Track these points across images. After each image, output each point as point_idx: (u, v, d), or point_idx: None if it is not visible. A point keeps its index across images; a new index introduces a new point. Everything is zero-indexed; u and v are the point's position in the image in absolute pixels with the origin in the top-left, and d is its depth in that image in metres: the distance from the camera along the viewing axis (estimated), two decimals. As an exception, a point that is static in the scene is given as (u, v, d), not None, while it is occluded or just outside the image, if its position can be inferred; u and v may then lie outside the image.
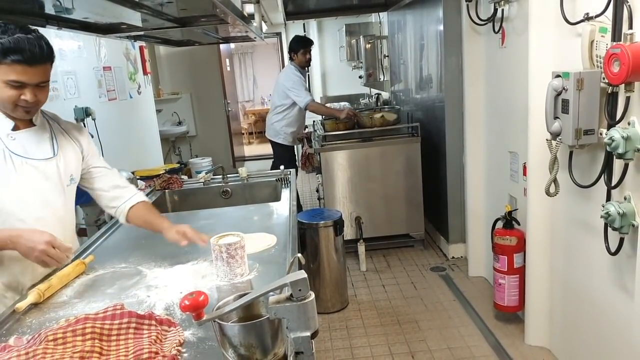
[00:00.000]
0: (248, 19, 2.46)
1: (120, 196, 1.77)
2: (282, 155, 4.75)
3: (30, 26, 1.44)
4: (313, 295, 0.97)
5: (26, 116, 1.52)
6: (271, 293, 0.99)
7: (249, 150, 8.90)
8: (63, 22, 1.67)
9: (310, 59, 4.57)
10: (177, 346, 1.11)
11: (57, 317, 1.32)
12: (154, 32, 2.12)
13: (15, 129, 1.53)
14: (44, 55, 1.41)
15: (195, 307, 0.95)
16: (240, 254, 1.46)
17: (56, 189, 1.61)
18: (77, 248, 1.82)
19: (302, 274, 0.96)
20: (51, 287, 1.45)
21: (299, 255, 1.08)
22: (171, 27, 1.93)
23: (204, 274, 1.55)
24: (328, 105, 5.42)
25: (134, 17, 1.64)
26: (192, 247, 1.78)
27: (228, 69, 7.19)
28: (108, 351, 1.08)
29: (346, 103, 6.51)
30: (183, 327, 1.21)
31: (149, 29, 1.98)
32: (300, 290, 0.95)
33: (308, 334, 0.97)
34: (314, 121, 5.13)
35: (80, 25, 1.81)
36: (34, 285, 1.48)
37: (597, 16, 1.83)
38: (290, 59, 4.55)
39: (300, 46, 4.46)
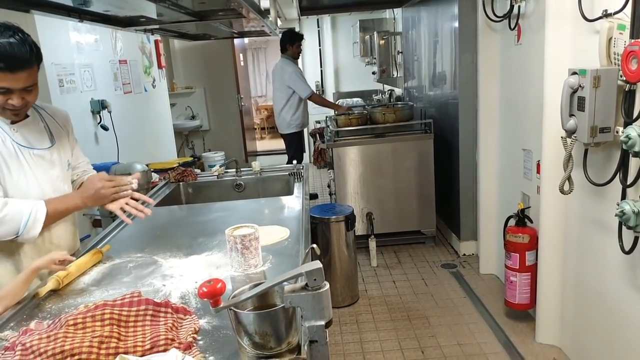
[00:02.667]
0: (264, 13, 2.48)
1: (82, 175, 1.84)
2: (293, 142, 5.07)
3: (15, 25, 1.38)
4: (328, 285, 0.99)
5: (14, 118, 1.52)
6: (286, 282, 1.01)
7: (261, 145, 8.93)
8: (84, 14, 1.71)
9: (301, 52, 5.02)
10: (192, 334, 1.14)
11: (75, 304, 1.35)
12: (171, 25, 2.15)
13: (13, 122, 1.54)
14: (28, 60, 1.37)
15: (213, 293, 0.97)
16: (254, 245, 1.48)
17: (62, 176, 1.66)
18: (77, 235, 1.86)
19: (317, 264, 0.97)
20: (69, 275, 1.49)
21: (314, 245, 1.09)
22: (189, 20, 1.95)
23: (219, 265, 1.57)
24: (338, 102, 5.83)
25: (153, 10, 1.66)
26: (207, 239, 1.81)
27: (242, 63, 7.21)
28: (126, 337, 1.11)
29: (359, 99, 6.51)
30: (198, 315, 1.24)
31: (167, 22, 2.01)
32: (315, 279, 0.97)
33: (322, 322, 0.98)
34: (326, 117, 5.14)
35: (101, 18, 1.84)
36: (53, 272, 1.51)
37: (615, 13, 1.81)
38: (284, 50, 4.86)
39: (296, 40, 4.83)
